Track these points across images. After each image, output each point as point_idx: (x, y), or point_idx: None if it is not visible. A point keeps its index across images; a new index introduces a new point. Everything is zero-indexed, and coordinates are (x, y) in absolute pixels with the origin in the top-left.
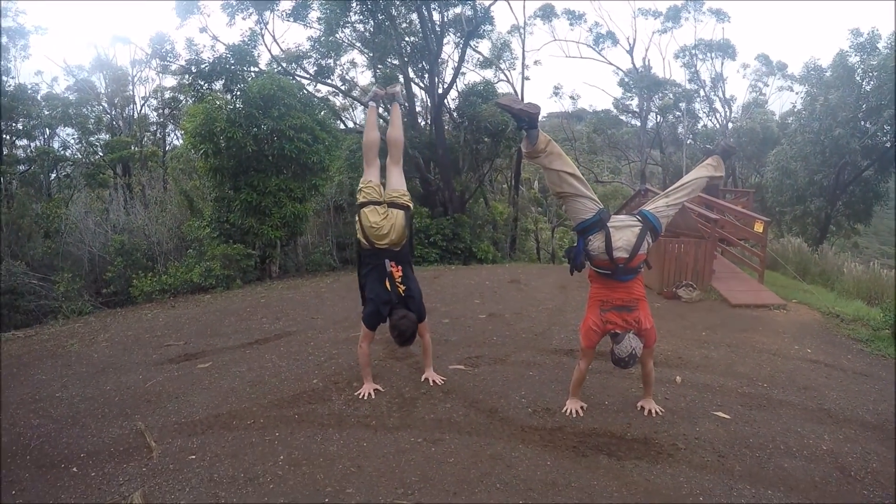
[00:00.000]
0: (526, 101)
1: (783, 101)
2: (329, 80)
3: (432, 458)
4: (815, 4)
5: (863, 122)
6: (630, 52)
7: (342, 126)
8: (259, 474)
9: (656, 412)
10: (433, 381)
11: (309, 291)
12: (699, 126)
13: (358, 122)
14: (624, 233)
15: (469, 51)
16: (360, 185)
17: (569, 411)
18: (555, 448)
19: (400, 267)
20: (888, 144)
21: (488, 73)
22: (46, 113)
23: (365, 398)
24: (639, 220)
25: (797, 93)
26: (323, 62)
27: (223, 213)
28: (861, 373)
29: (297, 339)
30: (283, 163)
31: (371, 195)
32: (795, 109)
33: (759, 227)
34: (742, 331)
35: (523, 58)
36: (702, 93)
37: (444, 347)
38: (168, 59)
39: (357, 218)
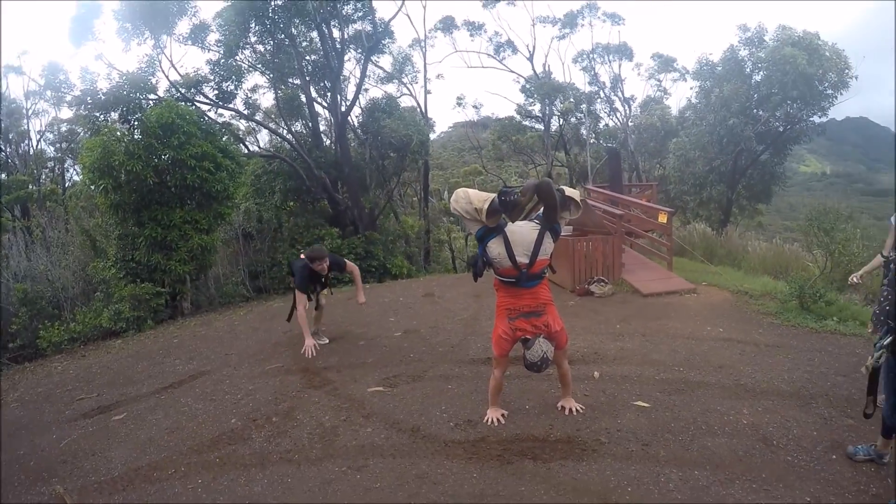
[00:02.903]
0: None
1: (681, 96)
2: (231, 105)
3: (358, 485)
4: (703, 4)
5: (755, 111)
6: (530, 59)
7: (245, 150)
8: None
9: (577, 410)
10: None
11: (222, 326)
12: (601, 125)
13: (262, 146)
14: (523, 236)
15: (371, 66)
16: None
17: (490, 420)
18: (479, 459)
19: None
20: (780, 129)
21: (391, 88)
22: None
23: (308, 355)
24: (538, 223)
25: (691, 87)
26: (224, 86)
27: (128, 251)
28: (773, 345)
29: (211, 378)
30: (186, 193)
31: None
32: (691, 103)
33: (663, 218)
34: (655, 319)
35: (425, 71)
36: (602, 94)
37: (361, 370)
38: (62, 89)
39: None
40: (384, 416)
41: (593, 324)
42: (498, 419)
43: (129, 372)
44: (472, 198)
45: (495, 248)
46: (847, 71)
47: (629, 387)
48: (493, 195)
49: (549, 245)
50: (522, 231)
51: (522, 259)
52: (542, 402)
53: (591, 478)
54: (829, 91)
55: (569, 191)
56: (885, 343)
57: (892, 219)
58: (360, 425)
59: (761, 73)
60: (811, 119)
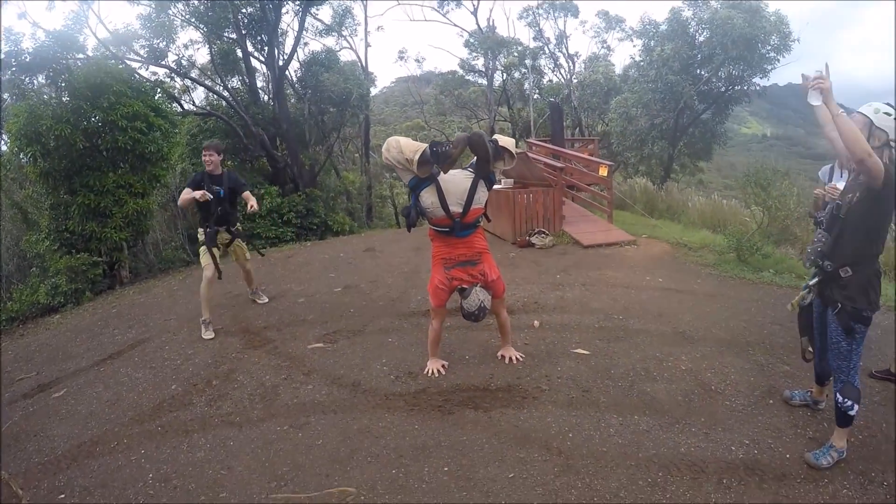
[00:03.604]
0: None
1: (625, 54)
2: (163, 62)
3: (300, 444)
4: None
5: (698, 70)
6: (475, 13)
7: (180, 109)
8: (131, 499)
9: (517, 359)
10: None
11: (161, 292)
12: (545, 81)
13: (198, 103)
14: (456, 185)
15: (310, 19)
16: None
17: (430, 371)
18: (421, 411)
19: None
20: (722, 89)
21: (331, 42)
22: None
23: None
24: (471, 172)
25: (635, 45)
26: (155, 42)
27: (61, 222)
28: (711, 294)
29: (151, 345)
30: (118, 156)
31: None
32: (635, 61)
33: (603, 171)
34: (595, 269)
35: (366, 23)
36: (546, 50)
37: (301, 328)
38: None
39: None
40: (325, 372)
41: (534, 274)
42: (438, 370)
43: (69, 347)
44: (404, 147)
45: (428, 197)
46: (790, 35)
47: (569, 335)
48: (425, 145)
49: (482, 194)
50: (456, 180)
51: (456, 208)
52: (483, 352)
53: (532, 425)
54: (772, 54)
55: (503, 140)
56: (810, 283)
57: (820, 172)
58: (301, 383)
59: (705, 33)
60: (753, 81)
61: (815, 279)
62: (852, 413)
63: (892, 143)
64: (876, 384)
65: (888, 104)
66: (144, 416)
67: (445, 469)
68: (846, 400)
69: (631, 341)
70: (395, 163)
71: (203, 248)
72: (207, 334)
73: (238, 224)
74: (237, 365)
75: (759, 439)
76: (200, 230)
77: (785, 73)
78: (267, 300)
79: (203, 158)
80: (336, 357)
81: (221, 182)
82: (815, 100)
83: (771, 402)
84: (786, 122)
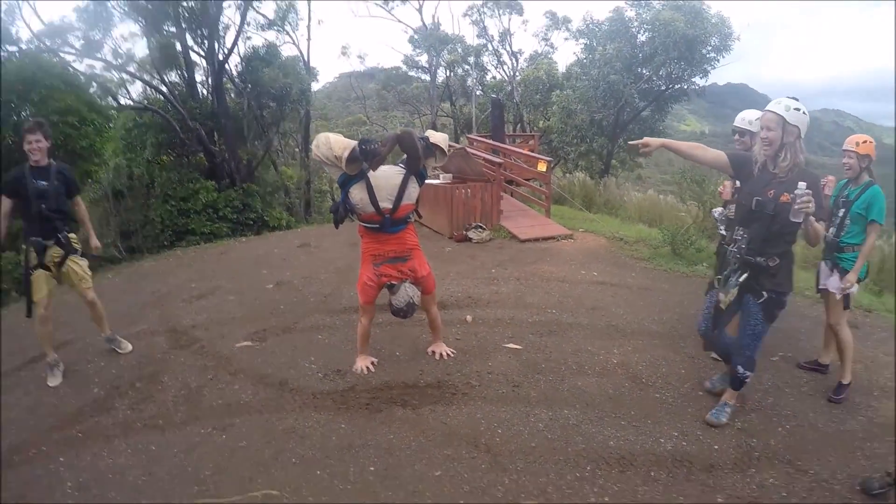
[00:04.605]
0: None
1: (569, 52)
2: (98, 55)
3: (224, 446)
4: None
5: (639, 69)
6: (419, 10)
7: (115, 103)
8: None
9: (448, 354)
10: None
11: None
12: (488, 78)
13: (136, 98)
14: (387, 180)
15: (251, 13)
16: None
17: (359, 369)
18: (348, 409)
19: None
20: (663, 88)
21: (273, 36)
22: None
23: None
24: (402, 168)
25: (578, 44)
26: (91, 34)
27: None
28: (645, 288)
29: (74, 347)
30: (49, 152)
31: None
32: (578, 59)
33: (542, 166)
34: (531, 263)
35: (309, 18)
36: (490, 47)
37: (229, 326)
38: None
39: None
40: (252, 371)
41: (469, 269)
42: (367, 367)
43: None
44: (333, 144)
45: (357, 193)
46: (731, 35)
47: (502, 330)
48: (354, 143)
49: (413, 190)
50: (386, 175)
51: (386, 204)
52: (414, 349)
53: (461, 421)
54: (713, 55)
55: (434, 137)
56: (740, 280)
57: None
58: (227, 383)
59: (646, 33)
60: (693, 80)
61: (743, 276)
62: (748, 381)
63: (802, 137)
64: (804, 375)
65: (794, 98)
66: (65, 421)
67: (371, 469)
68: (746, 371)
69: (564, 335)
70: (325, 159)
71: (35, 273)
72: (52, 380)
73: (72, 234)
74: (162, 366)
75: (687, 431)
76: (25, 247)
77: (725, 74)
78: (130, 349)
79: (26, 146)
80: (264, 356)
81: (48, 176)
82: (797, 217)
83: (700, 394)
84: (724, 121)
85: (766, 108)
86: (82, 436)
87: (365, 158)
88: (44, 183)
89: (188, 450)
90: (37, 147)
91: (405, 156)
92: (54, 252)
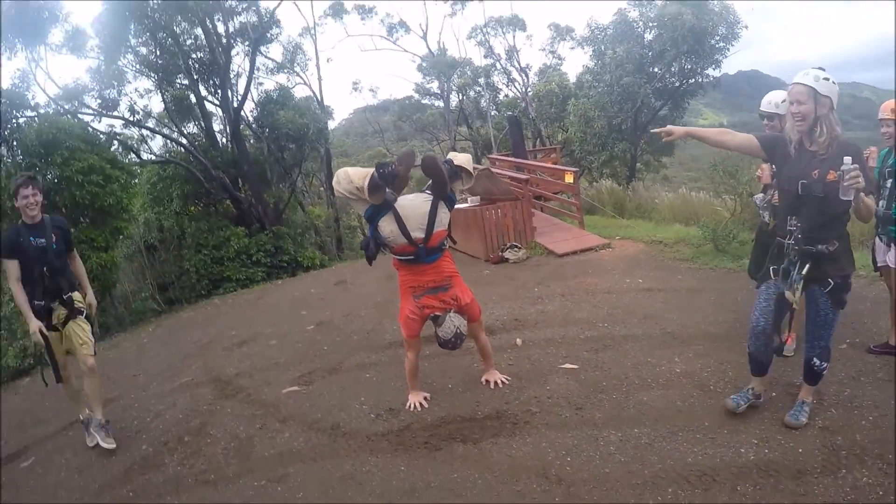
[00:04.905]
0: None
1: (577, 62)
2: (115, 113)
3: (279, 498)
4: None
5: (651, 68)
6: (424, 37)
7: (137, 159)
8: None
9: (502, 382)
10: None
11: (130, 346)
12: (501, 96)
13: (157, 151)
14: (415, 209)
15: (261, 58)
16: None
17: (412, 406)
18: (406, 450)
19: None
20: (677, 84)
21: (284, 79)
22: None
23: None
24: (430, 195)
25: (586, 52)
26: (106, 94)
27: None
28: (695, 289)
29: (119, 404)
30: (77, 212)
31: None
32: (588, 67)
33: (569, 178)
34: (573, 277)
35: (317, 58)
36: (498, 66)
37: (274, 371)
38: None
39: None
40: (301, 417)
41: (511, 290)
42: (420, 403)
43: (37, 411)
44: (353, 176)
45: (387, 226)
46: (737, 24)
47: (554, 350)
48: (371, 170)
49: (444, 216)
50: (413, 204)
51: (417, 234)
52: (466, 379)
53: (526, 452)
54: (721, 44)
55: (458, 159)
56: (803, 273)
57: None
58: (277, 431)
59: (653, 31)
60: (705, 73)
61: (805, 268)
62: (825, 373)
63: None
64: (877, 360)
65: (820, 69)
66: (115, 481)
67: None
68: (823, 363)
69: (620, 349)
70: (348, 194)
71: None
72: (91, 440)
73: (74, 291)
74: (209, 418)
75: (768, 437)
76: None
77: (735, 62)
78: (113, 446)
79: (21, 202)
80: (312, 400)
81: (45, 232)
82: (847, 195)
83: (774, 394)
84: (740, 109)
85: (794, 80)
86: (133, 495)
87: (385, 182)
88: (42, 240)
89: None
90: (34, 201)
91: (430, 181)
92: (60, 312)
